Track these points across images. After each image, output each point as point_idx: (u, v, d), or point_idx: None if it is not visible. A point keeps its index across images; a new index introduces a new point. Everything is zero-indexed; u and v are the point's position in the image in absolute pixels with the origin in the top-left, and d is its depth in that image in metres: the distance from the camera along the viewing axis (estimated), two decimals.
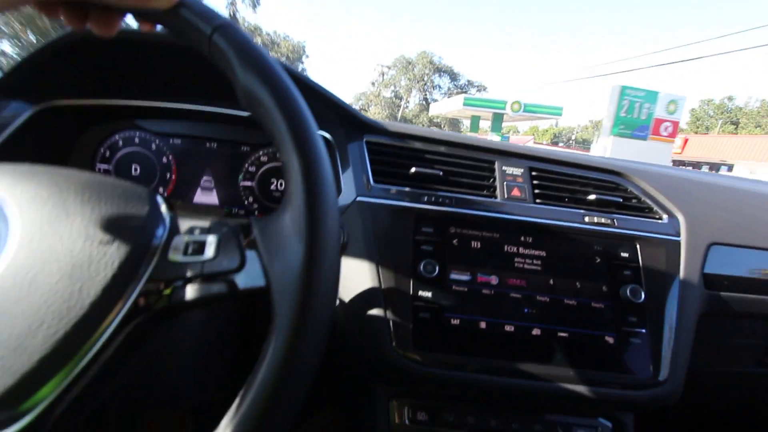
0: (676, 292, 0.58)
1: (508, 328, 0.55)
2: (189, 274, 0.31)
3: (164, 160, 0.75)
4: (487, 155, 0.68)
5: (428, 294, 0.55)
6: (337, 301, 0.59)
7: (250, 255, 0.32)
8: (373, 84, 37.62)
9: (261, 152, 0.75)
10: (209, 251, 0.32)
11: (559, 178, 0.67)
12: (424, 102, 35.71)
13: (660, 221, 0.64)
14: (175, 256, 0.32)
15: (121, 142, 0.74)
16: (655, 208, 0.65)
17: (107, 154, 0.74)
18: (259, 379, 0.25)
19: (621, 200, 0.65)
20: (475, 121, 18.28)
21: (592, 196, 0.64)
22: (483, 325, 0.54)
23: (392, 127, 0.69)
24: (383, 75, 37.42)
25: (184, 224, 0.34)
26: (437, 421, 0.58)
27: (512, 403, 0.59)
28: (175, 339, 0.34)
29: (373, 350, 0.53)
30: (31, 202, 0.30)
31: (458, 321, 0.54)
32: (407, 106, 36.74)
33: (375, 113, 33.31)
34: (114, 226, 0.30)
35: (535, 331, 0.55)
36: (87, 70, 0.67)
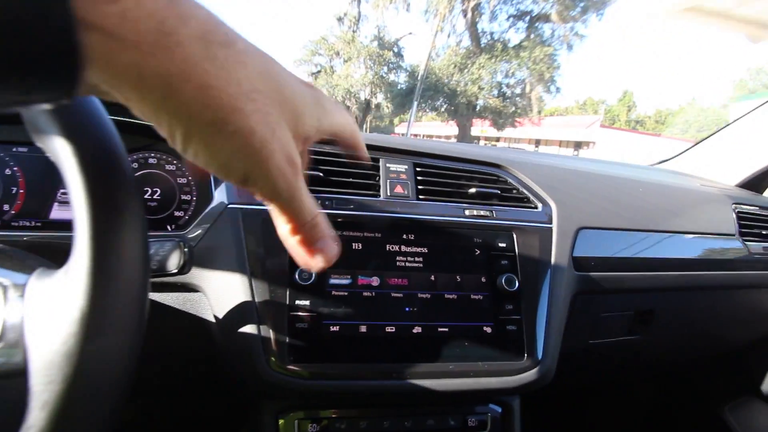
0: (548, 277, 0.62)
1: (389, 329, 0.54)
2: None
3: (7, 171, 0.65)
4: (372, 153, 0.66)
5: (306, 302, 0.52)
6: (213, 318, 0.55)
7: (14, 324, 0.26)
8: None
9: (130, 158, 0.68)
10: None
11: (442, 173, 0.67)
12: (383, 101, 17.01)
13: (535, 210, 0.67)
14: None
15: None
16: (531, 197, 0.68)
17: None
18: None
19: (499, 192, 0.67)
20: None
21: (472, 190, 0.66)
22: (363, 329, 0.53)
23: None
24: None
25: None
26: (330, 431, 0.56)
27: (403, 403, 0.59)
28: None
29: (248, 369, 0.50)
30: None
31: (338, 327, 0.53)
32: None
33: None
34: None
35: (416, 330, 0.55)
36: None
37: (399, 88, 16.74)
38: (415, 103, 11.84)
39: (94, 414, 0.23)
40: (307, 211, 0.26)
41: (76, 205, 0.24)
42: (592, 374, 0.86)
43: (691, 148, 1.25)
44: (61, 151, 0.24)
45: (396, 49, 17.34)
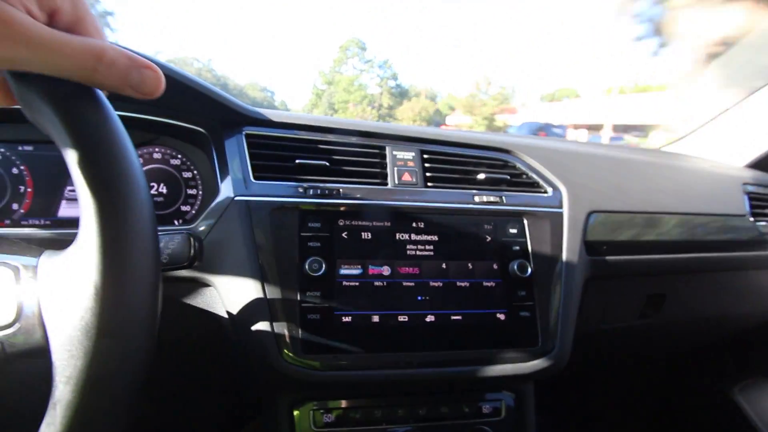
0: (561, 262, 0.61)
1: (402, 318, 0.54)
2: None
3: (14, 171, 0.64)
4: (378, 141, 0.66)
5: (316, 293, 0.52)
6: (225, 314, 0.55)
7: (30, 303, 0.26)
8: None
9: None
10: None
11: (450, 160, 0.66)
12: None
13: (545, 194, 0.66)
14: None
15: None
16: (541, 182, 0.68)
17: None
18: None
19: (509, 177, 0.66)
20: None
21: (481, 176, 0.65)
22: (376, 318, 0.53)
23: (275, 116, 0.64)
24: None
25: None
26: (345, 421, 0.57)
27: (417, 392, 0.59)
28: None
29: (261, 362, 0.50)
30: None
31: (350, 318, 0.52)
32: None
33: None
34: None
35: (429, 318, 0.55)
36: None
37: None
38: None
39: (117, 387, 0.24)
40: (81, 56, 0.24)
41: (81, 190, 0.24)
42: (604, 358, 0.86)
43: (696, 129, 1.24)
44: (64, 140, 0.24)
45: None
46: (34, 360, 0.25)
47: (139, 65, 0.26)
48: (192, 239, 0.49)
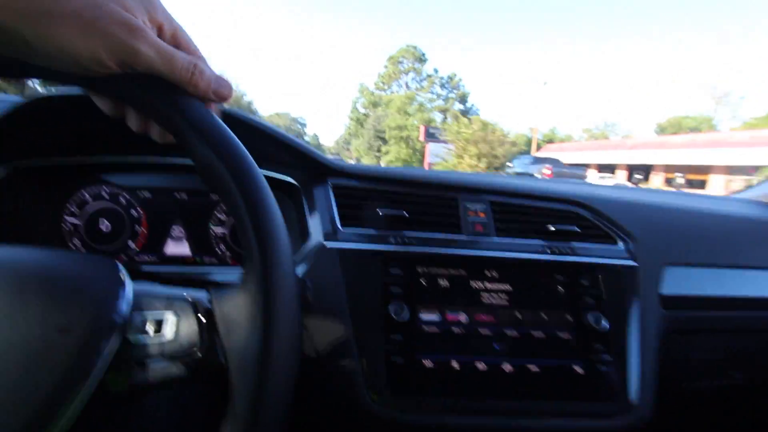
0: (636, 316, 0.61)
1: (480, 365, 0.56)
2: (149, 355, 0.31)
3: (133, 213, 0.75)
4: (450, 193, 0.70)
5: (399, 337, 0.56)
6: (312, 352, 0.59)
7: (209, 331, 0.33)
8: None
9: None
10: (169, 330, 0.33)
11: (519, 211, 0.69)
12: None
13: (616, 247, 0.67)
14: (135, 336, 0.32)
15: (89, 198, 0.74)
16: (611, 234, 0.68)
17: (75, 210, 0.74)
18: None
19: (579, 229, 0.67)
20: None
21: (551, 227, 0.67)
22: (455, 364, 0.56)
23: (356, 169, 0.71)
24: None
25: (144, 299, 0.35)
26: None
27: None
28: (138, 422, 0.34)
29: (348, 399, 0.53)
30: None
31: (431, 363, 0.55)
32: None
33: None
34: (73, 310, 0.31)
35: (506, 367, 0.56)
36: (50, 130, 0.67)
37: None
38: None
39: (279, 401, 0.29)
40: (185, 65, 0.31)
41: (253, 263, 0.30)
42: (684, 424, 0.81)
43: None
44: (249, 241, 0.31)
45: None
46: (213, 377, 0.32)
47: (218, 76, 0.35)
48: (307, 287, 0.54)
